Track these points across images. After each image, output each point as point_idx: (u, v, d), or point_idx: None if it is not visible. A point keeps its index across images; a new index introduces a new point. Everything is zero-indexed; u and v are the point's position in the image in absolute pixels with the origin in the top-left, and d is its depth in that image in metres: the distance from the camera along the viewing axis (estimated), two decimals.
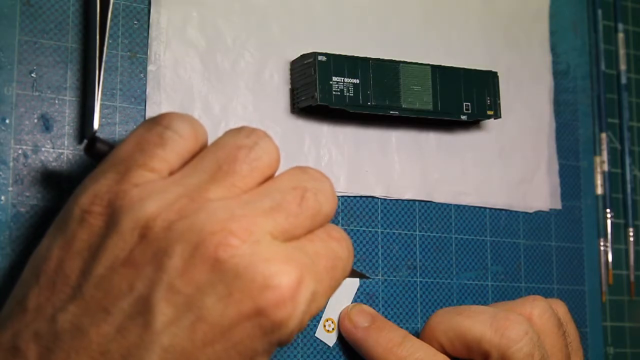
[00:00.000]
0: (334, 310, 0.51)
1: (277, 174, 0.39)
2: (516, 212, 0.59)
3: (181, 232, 0.35)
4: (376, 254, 0.53)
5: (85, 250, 0.36)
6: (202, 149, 0.39)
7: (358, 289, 0.52)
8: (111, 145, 0.40)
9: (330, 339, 0.51)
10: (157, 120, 0.39)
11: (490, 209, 0.58)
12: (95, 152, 0.41)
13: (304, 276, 0.36)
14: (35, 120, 0.45)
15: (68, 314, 0.35)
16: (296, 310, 0.36)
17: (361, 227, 0.53)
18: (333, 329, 0.51)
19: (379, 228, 0.54)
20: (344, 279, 0.39)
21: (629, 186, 0.65)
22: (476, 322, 0.48)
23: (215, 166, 0.38)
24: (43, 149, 0.45)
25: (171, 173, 0.38)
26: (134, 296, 0.35)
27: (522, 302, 0.50)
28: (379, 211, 0.54)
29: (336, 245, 0.39)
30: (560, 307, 0.51)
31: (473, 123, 0.57)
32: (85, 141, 0.41)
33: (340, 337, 0.51)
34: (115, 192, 0.37)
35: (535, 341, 0.47)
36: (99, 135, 0.47)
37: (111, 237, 0.36)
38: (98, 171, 0.38)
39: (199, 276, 0.35)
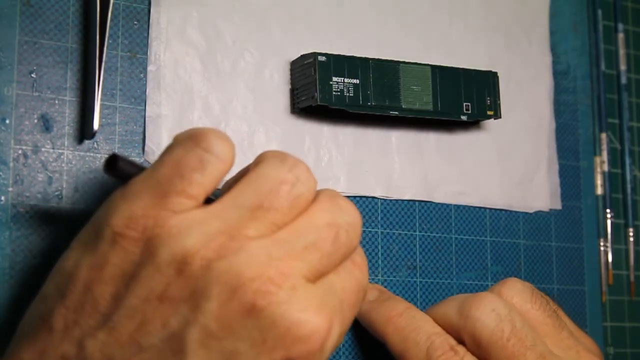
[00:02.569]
0: None
1: None
2: (516, 212, 0.59)
3: (219, 273, 0.35)
4: (376, 254, 0.53)
5: (118, 276, 0.36)
6: (231, 166, 0.39)
7: None
8: (139, 167, 0.39)
9: None
10: (196, 140, 0.38)
11: (490, 209, 0.58)
12: (119, 172, 0.39)
13: (333, 322, 0.36)
14: (35, 120, 0.45)
15: (97, 341, 0.35)
16: (322, 357, 0.36)
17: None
18: None
19: (379, 228, 0.54)
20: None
21: (629, 186, 0.65)
22: (447, 309, 0.48)
23: (257, 202, 0.37)
24: (43, 149, 0.45)
25: (206, 196, 0.38)
26: (168, 333, 0.35)
27: (492, 287, 0.49)
28: (379, 211, 0.54)
29: (359, 274, 0.39)
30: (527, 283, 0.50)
31: (473, 123, 0.57)
32: (104, 160, 0.39)
33: None
34: (153, 218, 0.36)
35: (505, 316, 0.45)
36: (102, 139, 0.46)
37: (147, 267, 0.35)
38: (130, 191, 0.37)
39: (234, 320, 0.35)
